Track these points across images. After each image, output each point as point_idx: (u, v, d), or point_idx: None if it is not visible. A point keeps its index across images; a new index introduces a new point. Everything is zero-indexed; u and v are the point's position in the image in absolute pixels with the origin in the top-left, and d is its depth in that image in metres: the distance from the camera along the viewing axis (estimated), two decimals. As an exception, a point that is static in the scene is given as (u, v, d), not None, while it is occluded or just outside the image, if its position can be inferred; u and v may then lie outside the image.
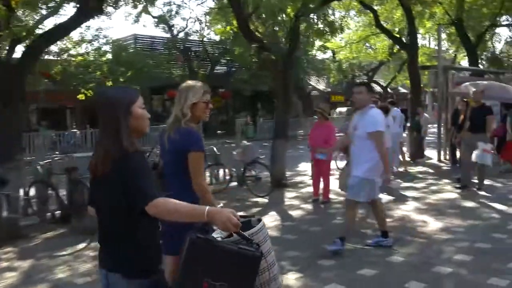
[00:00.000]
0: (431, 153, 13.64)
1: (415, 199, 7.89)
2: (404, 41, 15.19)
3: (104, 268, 2.09)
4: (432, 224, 6.23)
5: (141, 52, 25.95)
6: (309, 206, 7.74)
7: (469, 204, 7.39)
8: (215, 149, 9.10)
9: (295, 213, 7.31)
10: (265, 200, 8.27)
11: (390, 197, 7.74)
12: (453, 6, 16.74)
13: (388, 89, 38.48)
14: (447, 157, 12.53)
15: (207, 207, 1.90)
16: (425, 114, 13.27)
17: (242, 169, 8.92)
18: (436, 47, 14.75)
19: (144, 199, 1.89)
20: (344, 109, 34.02)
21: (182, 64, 28.40)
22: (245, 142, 8.94)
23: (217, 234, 2.11)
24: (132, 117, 2.03)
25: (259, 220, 2.18)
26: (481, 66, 19.68)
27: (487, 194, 8.05)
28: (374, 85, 39.41)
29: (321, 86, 40.81)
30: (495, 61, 21.19)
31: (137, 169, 1.95)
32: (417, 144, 13.27)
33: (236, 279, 1.88)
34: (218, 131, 27.29)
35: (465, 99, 10.09)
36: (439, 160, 12.98)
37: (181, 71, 27.65)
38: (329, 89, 40.85)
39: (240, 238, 1.95)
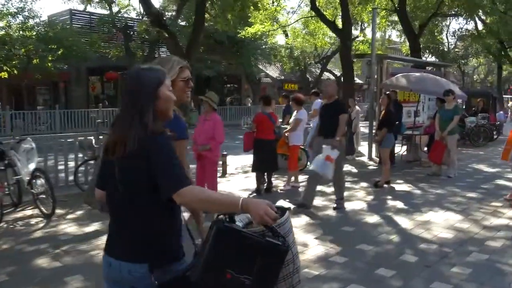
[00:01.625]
0: (365, 150, 12.61)
1: (310, 214, 6.41)
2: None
3: (112, 256, 1.93)
4: (310, 250, 5.03)
5: (70, 29, 23.76)
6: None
7: (371, 219, 6.24)
8: (93, 141, 7.63)
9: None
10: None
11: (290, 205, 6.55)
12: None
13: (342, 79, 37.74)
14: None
15: (242, 198, 1.79)
16: (357, 107, 12.17)
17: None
18: (384, 36, 13.64)
19: (174, 186, 1.80)
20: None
21: (119, 44, 26.41)
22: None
23: (237, 222, 1.94)
24: (160, 100, 1.94)
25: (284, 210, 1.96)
26: (424, 58, 18.79)
27: (398, 204, 6.97)
28: (327, 74, 38.97)
29: (275, 73, 39.76)
30: (439, 53, 20.52)
31: (165, 154, 1.84)
32: (347, 140, 12.20)
33: (260, 272, 1.76)
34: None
35: (387, 92, 9.00)
36: (370, 158, 11.97)
37: (118, 52, 25.68)
38: (283, 77, 39.84)
39: (266, 229, 1.80)
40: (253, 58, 30.48)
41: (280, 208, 1.92)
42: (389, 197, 7.48)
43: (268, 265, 1.78)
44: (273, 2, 15.37)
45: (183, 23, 29.34)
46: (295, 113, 8.50)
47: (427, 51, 23.81)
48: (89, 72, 26.22)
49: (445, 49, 29.14)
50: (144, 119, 1.86)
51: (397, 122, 9.21)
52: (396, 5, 16.02)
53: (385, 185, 8.31)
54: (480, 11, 19.13)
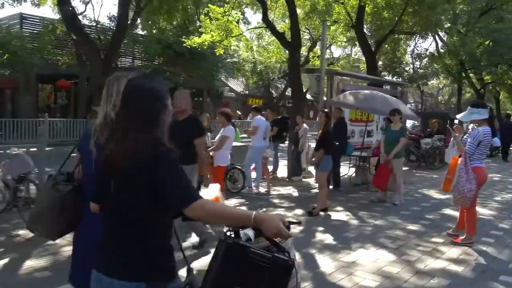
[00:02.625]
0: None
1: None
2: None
3: (104, 273, 1.84)
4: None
5: (17, 33, 22.28)
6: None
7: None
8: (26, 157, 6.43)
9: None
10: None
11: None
12: (354, 8, 15.17)
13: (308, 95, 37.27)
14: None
15: (254, 212, 1.77)
16: (305, 125, 11.33)
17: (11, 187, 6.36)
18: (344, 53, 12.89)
19: (187, 200, 1.76)
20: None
21: (71, 51, 25.01)
22: (15, 149, 6.31)
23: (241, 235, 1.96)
24: (167, 111, 1.94)
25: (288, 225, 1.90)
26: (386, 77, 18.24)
27: (327, 239, 6.06)
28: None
29: (239, 88, 38.95)
30: (399, 72, 20.11)
31: (175, 168, 1.80)
32: (294, 159, 11.36)
33: (268, 287, 1.76)
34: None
35: (325, 110, 8.17)
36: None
37: (69, 59, 24.28)
38: (247, 92, 39.05)
39: (271, 244, 1.82)
40: (214, 71, 29.57)
41: (292, 223, 1.92)
42: (321, 228, 6.56)
43: (276, 280, 1.77)
44: (225, 12, 14.46)
45: (142, 32, 28.44)
46: (222, 130, 7.56)
47: (388, 70, 23.47)
48: (39, 79, 24.65)
49: (407, 69, 29.00)
50: (156, 133, 1.84)
51: (337, 143, 8.37)
52: (354, 21, 15.44)
53: (321, 213, 7.42)
54: (439, 31, 18.82)
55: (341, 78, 12.34)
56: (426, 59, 27.67)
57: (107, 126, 2.21)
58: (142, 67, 27.01)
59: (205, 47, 15.15)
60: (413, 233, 6.42)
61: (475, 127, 5.79)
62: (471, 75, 28.89)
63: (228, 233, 1.79)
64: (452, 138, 6.15)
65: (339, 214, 7.52)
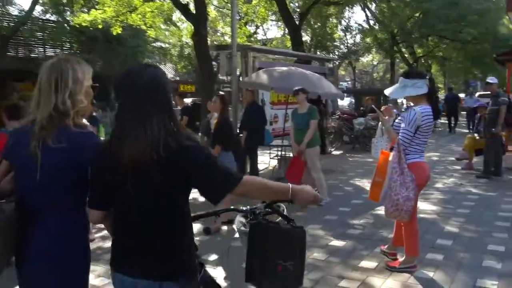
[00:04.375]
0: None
1: None
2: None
3: (130, 275, 1.78)
4: None
5: None
6: None
7: None
8: None
9: None
10: None
11: None
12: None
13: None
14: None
15: (291, 185, 1.87)
16: (216, 114, 9.45)
17: None
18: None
19: (234, 179, 1.77)
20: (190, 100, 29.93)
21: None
22: None
23: (240, 218, 2.28)
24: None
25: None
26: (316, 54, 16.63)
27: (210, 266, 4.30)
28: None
29: (169, 74, 36.50)
30: (329, 48, 18.76)
31: (206, 154, 1.79)
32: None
33: (296, 256, 1.91)
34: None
35: (220, 92, 6.44)
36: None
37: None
38: (178, 78, 36.65)
39: (283, 218, 2.05)
40: (139, 57, 27.03)
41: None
42: (217, 247, 4.78)
43: (300, 247, 1.93)
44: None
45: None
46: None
47: (318, 46, 21.94)
48: None
49: (341, 47, 27.82)
50: (175, 123, 1.80)
51: (240, 134, 6.64)
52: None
53: (224, 228, 5.67)
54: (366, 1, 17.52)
55: (259, 56, 10.56)
56: (358, 34, 26.68)
57: (54, 121, 1.93)
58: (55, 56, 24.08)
59: (100, 26, 12.83)
60: (337, 253, 4.76)
61: (410, 106, 4.18)
62: (404, 49, 28.23)
63: (245, 219, 2.14)
64: (379, 124, 4.46)
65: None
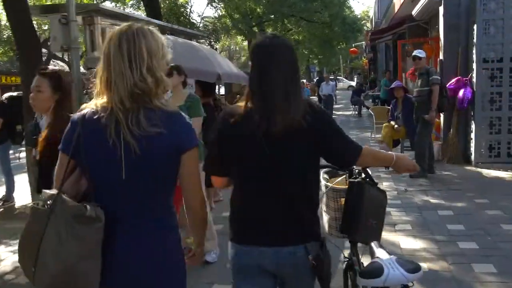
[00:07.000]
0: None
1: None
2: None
3: (263, 245, 1.77)
4: None
5: None
6: None
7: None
8: None
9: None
10: None
11: None
12: None
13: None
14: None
15: (394, 153, 1.97)
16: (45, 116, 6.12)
17: None
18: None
19: (358, 148, 1.84)
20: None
21: None
22: None
23: (324, 175, 2.50)
24: None
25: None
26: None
27: None
28: (59, 61, 30.86)
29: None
30: (178, 20, 16.20)
31: (335, 123, 1.84)
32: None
33: (381, 216, 2.19)
34: None
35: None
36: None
37: None
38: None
39: (370, 181, 2.17)
40: None
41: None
42: None
43: (384, 209, 2.21)
44: None
45: None
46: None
47: (170, 17, 18.77)
48: None
49: (197, 21, 25.20)
50: (302, 91, 1.85)
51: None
52: None
53: None
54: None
55: (109, 23, 7.34)
56: (217, 11, 24.37)
57: (138, 102, 1.58)
58: None
59: None
60: None
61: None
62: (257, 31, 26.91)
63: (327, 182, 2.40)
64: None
65: None
